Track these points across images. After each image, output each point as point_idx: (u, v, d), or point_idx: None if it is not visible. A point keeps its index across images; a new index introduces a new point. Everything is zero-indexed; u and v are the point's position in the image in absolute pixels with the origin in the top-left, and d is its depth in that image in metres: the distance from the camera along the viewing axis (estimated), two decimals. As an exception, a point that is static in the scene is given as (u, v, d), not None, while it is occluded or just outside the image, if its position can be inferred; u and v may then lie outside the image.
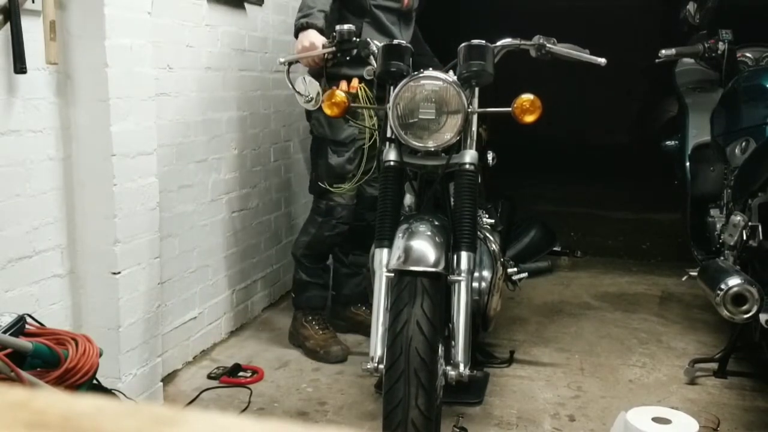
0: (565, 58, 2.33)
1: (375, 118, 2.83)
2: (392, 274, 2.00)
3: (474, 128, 2.20)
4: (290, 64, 2.42)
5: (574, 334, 3.22)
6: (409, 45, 2.24)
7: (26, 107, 2.06)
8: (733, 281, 2.23)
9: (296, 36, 2.61)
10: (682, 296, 3.73)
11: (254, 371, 2.77)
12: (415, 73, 2.16)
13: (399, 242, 2.01)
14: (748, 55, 3.24)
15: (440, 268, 1.96)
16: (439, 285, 1.98)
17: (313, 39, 2.49)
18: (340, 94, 2.19)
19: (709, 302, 2.40)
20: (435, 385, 1.89)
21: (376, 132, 2.85)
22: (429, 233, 2.03)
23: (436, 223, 2.09)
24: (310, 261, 3.08)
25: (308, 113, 2.99)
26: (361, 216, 3.16)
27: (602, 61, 2.25)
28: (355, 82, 2.71)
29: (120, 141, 2.24)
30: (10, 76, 1.97)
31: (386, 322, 1.97)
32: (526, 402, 2.56)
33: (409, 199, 2.39)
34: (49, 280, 2.18)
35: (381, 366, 1.93)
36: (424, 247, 1.98)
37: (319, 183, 2.97)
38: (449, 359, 2.02)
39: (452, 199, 2.26)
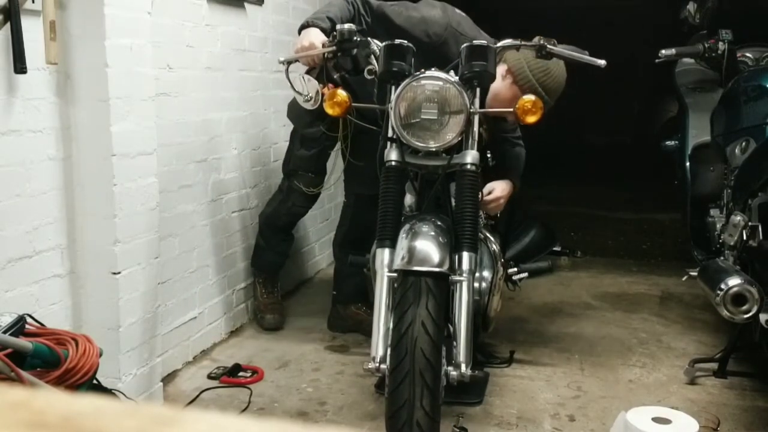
0: (566, 60, 2.32)
1: (350, 127, 2.80)
2: (394, 274, 2.00)
3: (476, 128, 2.18)
4: (289, 63, 2.41)
5: (574, 334, 3.22)
6: (411, 45, 2.20)
7: (26, 107, 2.06)
8: (733, 281, 2.23)
9: (299, 34, 2.60)
10: (682, 296, 3.73)
11: (254, 371, 2.77)
12: (417, 73, 2.14)
13: (403, 242, 2.01)
14: (748, 55, 3.23)
15: (445, 268, 1.96)
16: (444, 285, 1.98)
17: (313, 38, 2.47)
18: (341, 94, 2.17)
19: (709, 302, 2.40)
20: (439, 386, 1.88)
21: (346, 144, 2.86)
22: (433, 233, 2.02)
23: (439, 223, 2.09)
24: (269, 230, 3.27)
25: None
26: (359, 215, 3.16)
27: (602, 62, 2.25)
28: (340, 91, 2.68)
29: (120, 141, 2.24)
30: (10, 76, 1.97)
31: (388, 322, 1.96)
32: (526, 402, 2.56)
33: (409, 199, 2.39)
34: (49, 280, 2.18)
35: (383, 366, 1.92)
36: (428, 248, 1.98)
37: (287, 167, 3.18)
38: (450, 359, 2.01)
39: (453, 200, 2.25)
